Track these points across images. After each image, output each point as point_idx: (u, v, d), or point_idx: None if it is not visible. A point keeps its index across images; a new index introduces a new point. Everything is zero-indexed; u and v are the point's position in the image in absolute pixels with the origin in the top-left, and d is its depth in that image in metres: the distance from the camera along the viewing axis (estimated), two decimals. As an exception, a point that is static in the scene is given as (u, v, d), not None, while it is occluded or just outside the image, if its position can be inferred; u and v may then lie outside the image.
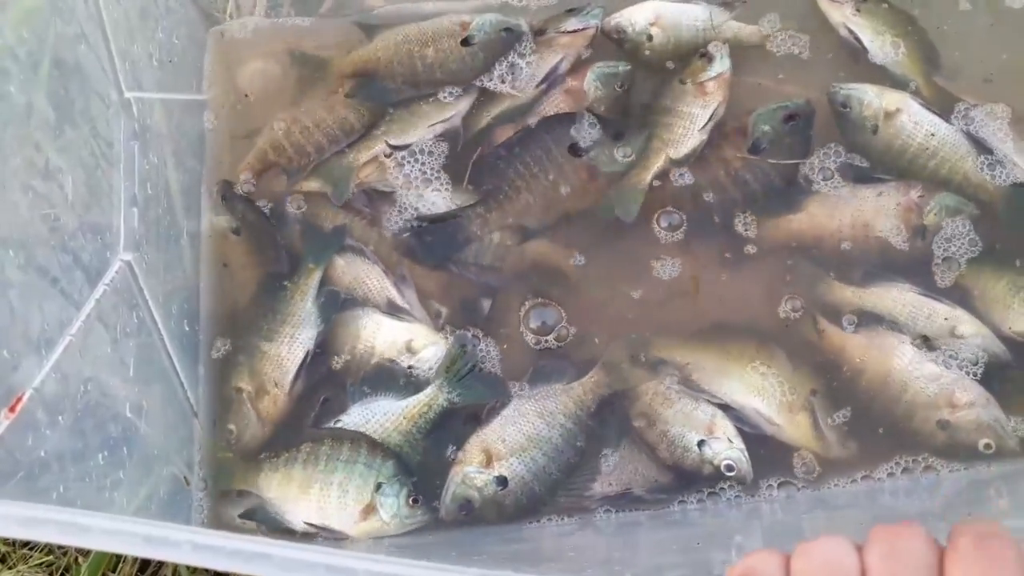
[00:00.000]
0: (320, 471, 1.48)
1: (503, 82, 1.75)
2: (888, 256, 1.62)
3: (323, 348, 1.62)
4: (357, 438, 1.51)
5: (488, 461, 1.49)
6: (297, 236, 1.71)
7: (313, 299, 1.62)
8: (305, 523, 1.48)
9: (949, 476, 1.51)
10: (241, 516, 1.50)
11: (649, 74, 1.78)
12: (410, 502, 1.47)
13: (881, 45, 1.76)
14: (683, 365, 1.58)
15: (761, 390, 1.54)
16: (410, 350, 1.59)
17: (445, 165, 1.71)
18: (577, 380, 1.57)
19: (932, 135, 1.66)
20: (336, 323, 1.63)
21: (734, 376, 1.56)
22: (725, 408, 1.54)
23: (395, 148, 1.71)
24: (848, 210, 1.64)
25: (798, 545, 0.67)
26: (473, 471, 1.49)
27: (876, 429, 1.55)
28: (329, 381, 1.61)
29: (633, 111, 1.75)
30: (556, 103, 1.75)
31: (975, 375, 1.53)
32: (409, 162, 1.71)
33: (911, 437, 1.53)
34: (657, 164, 1.67)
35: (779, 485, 1.51)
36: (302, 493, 1.48)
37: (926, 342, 1.54)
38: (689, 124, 1.68)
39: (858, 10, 1.77)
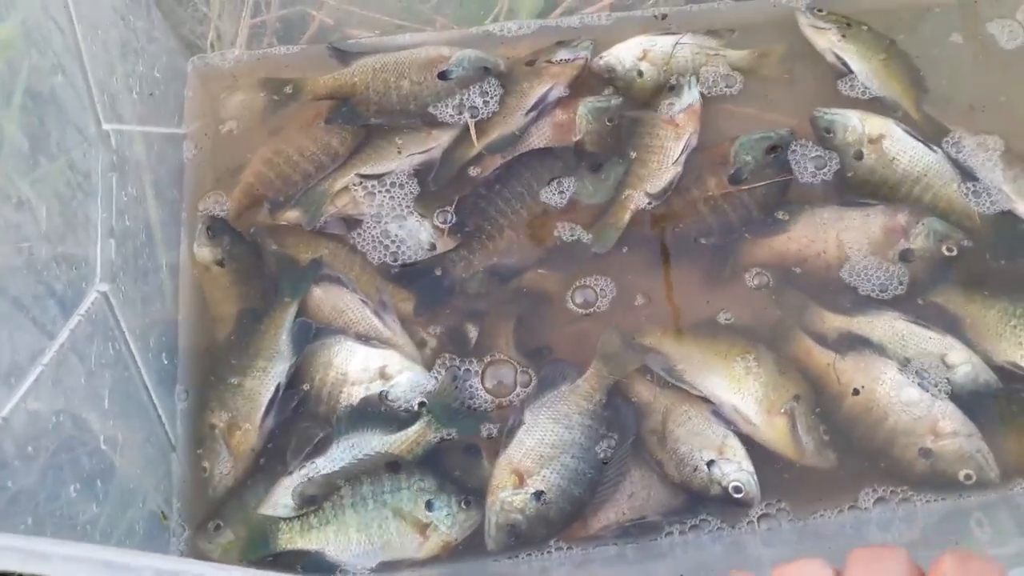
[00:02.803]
0: (372, 510, 1.47)
1: (459, 113, 1.75)
2: (872, 279, 1.60)
3: (295, 383, 1.60)
4: (390, 465, 1.51)
5: (520, 480, 1.46)
6: (274, 269, 1.69)
7: (288, 332, 1.60)
8: (380, 563, 1.48)
9: (928, 506, 1.49)
10: (303, 568, 1.48)
11: (644, 110, 1.78)
12: (463, 505, 1.48)
13: (868, 69, 1.77)
14: (669, 355, 1.57)
15: (742, 388, 1.53)
16: (383, 376, 1.57)
17: (418, 197, 1.70)
18: (580, 377, 1.55)
19: (915, 161, 1.66)
20: (308, 352, 1.61)
21: (718, 371, 1.55)
22: (704, 401, 1.54)
23: (365, 177, 1.71)
24: (833, 232, 1.64)
25: (774, 569, 0.66)
26: (508, 494, 1.46)
27: (857, 452, 1.53)
28: (304, 415, 1.59)
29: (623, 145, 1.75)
30: (544, 135, 1.75)
31: (960, 403, 1.52)
32: (380, 192, 1.70)
33: (892, 463, 1.52)
34: (634, 201, 1.67)
35: (759, 518, 1.49)
36: (364, 536, 1.47)
37: (907, 365, 1.52)
38: (663, 158, 1.68)
39: (843, 36, 1.78)
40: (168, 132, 1.80)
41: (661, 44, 1.80)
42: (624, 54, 1.79)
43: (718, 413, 1.52)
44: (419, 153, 1.72)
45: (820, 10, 1.82)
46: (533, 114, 1.75)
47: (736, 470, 1.47)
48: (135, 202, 1.60)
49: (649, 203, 1.66)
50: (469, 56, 1.78)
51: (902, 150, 1.67)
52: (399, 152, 1.72)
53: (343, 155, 1.74)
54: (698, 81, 1.76)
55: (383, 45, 1.87)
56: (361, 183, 1.70)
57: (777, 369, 1.54)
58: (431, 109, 1.75)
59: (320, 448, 1.54)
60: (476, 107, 1.75)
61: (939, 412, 1.50)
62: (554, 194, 1.67)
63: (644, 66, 1.77)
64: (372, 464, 1.52)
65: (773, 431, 1.51)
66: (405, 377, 1.57)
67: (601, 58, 1.80)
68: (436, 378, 1.57)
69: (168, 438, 1.59)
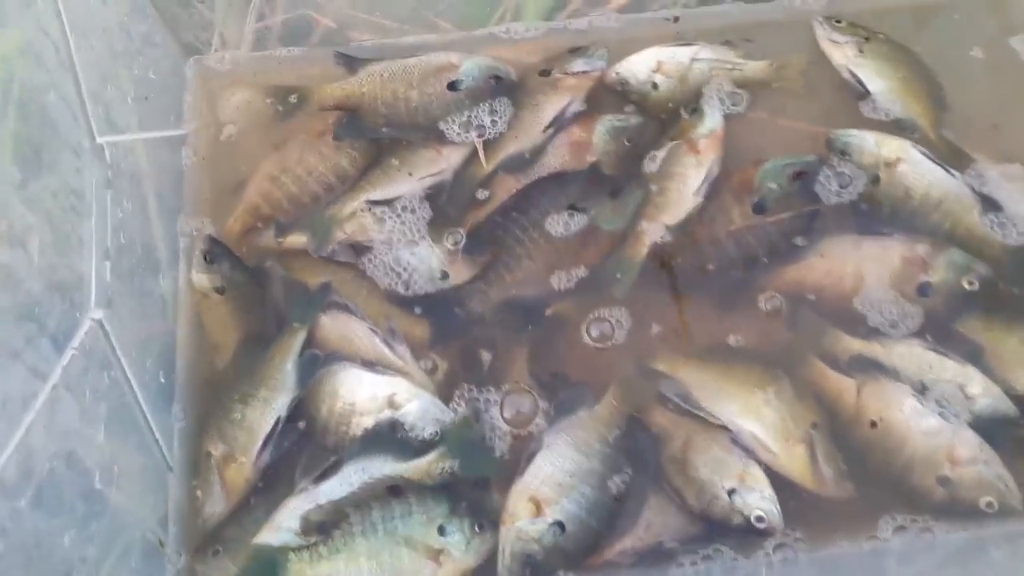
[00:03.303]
0: (382, 537, 1.42)
1: (466, 131, 1.69)
2: (885, 313, 1.55)
3: (296, 417, 1.54)
4: (398, 490, 1.46)
5: (538, 509, 1.42)
6: (281, 295, 1.64)
7: (294, 361, 1.55)
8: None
9: (949, 536, 1.45)
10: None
11: (660, 126, 1.71)
12: (476, 529, 1.44)
13: (885, 88, 1.70)
14: (685, 382, 1.52)
15: (761, 415, 1.48)
16: (392, 405, 1.52)
17: (430, 221, 1.64)
18: (598, 403, 1.50)
19: (933, 187, 1.60)
20: (312, 381, 1.56)
21: (735, 398, 1.50)
22: (722, 429, 1.49)
23: (375, 203, 1.64)
24: (850, 262, 1.58)
25: None
26: (526, 524, 1.41)
27: (873, 479, 1.49)
28: (302, 448, 1.53)
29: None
30: (560, 155, 1.68)
31: (980, 432, 1.47)
32: (391, 217, 1.64)
33: (909, 492, 1.47)
34: (650, 234, 1.60)
35: (775, 548, 1.44)
36: (375, 565, 1.42)
37: (925, 392, 1.48)
38: (682, 186, 1.61)
39: (861, 51, 1.71)
40: (165, 137, 1.75)
41: (677, 56, 1.72)
42: (638, 66, 1.72)
43: (737, 440, 1.47)
44: (430, 176, 1.66)
45: (838, 21, 1.75)
46: (551, 131, 1.68)
47: (759, 499, 1.42)
48: (131, 217, 1.55)
49: (666, 236, 1.59)
50: (479, 65, 1.71)
51: (920, 175, 1.60)
52: (410, 175, 1.65)
53: (353, 175, 1.67)
54: (711, 100, 1.69)
55: (388, 49, 1.81)
56: (370, 209, 1.64)
57: (795, 396, 1.50)
58: (440, 125, 1.69)
59: (330, 472, 1.48)
60: (483, 126, 1.68)
61: (957, 439, 1.46)
62: (570, 221, 1.61)
63: (659, 78, 1.71)
64: (381, 489, 1.47)
65: (792, 460, 1.46)
66: (415, 405, 1.51)
67: (614, 71, 1.73)
68: (455, 410, 1.52)
69: (165, 461, 1.55)
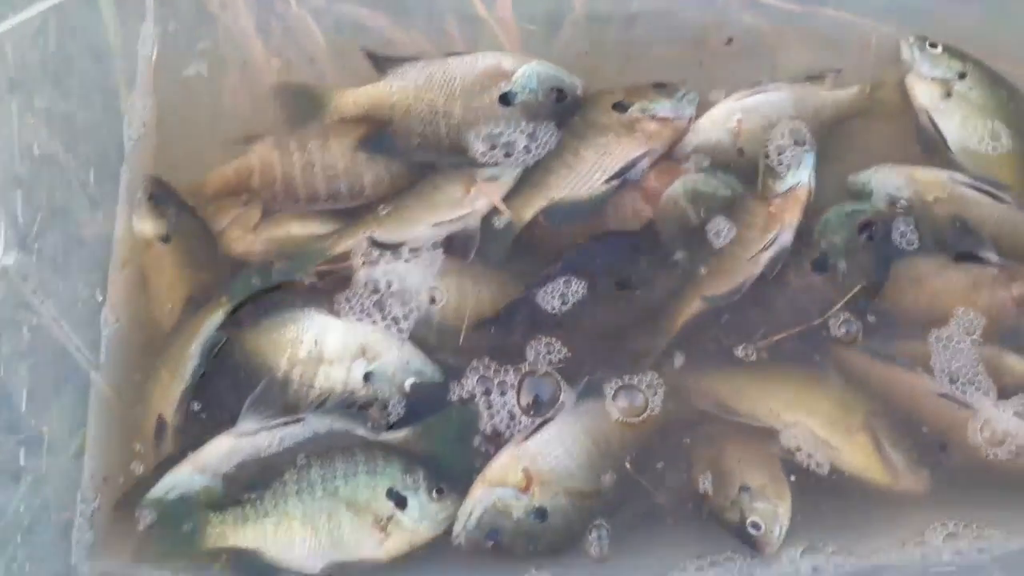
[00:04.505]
0: (320, 499, 1.25)
1: (490, 148, 1.40)
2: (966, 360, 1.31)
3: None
4: (347, 446, 1.28)
5: (527, 485, 1.26)
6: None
7: (201, 344, 1.33)
8: (330, 564, 1.27)
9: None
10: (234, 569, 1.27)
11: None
12: (434, 495, 1.27)
13: (969, 137, 1.43)
14: (720, 392, 1.34)
15: (812, 410, 1.31)
16: (366, 354, 1.32)
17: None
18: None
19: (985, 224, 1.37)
20: (268, 328, 1.35)
21: (779, 395, 1.33)
22: (772, 433, 1.31)
23: (379, 245, 1.37)
24: (926, 290, 1.36)
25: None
26: (510, 495, 1.26)
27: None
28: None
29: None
30: (628, 205, 1.41)
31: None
32: (388, 261, 1.37)
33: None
34: (690, 307, 1.35)
35: (803, 552, 1.27)
36: (309, 532, 1.25)
37: None
38: (739, 250, 1.35)
39: (949, 93, 1.43)
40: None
41: (757, 107, 1.44)
42: (712, 131, 1.44)
43: (783, 443, 1.30)
44: (447, 222, 1.38)
45: (934, 45, 1.46)
46: (615, 183, 1.40)
47: (767, 509, 1.25)
48: (48, 120, 1.32)
49: (703, 306, 1.34)
50: (538, 73, 1.44)
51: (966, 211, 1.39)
52: (433, 226, 1.38)
53: (367, 198, 1.42)
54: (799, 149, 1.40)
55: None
56: (369, 247, 1.38)
57: (843, 387, 1.34)
58: (470, 136, 1.41)
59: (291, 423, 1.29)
60: (512, 146, 1.40)
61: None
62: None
63: (742, 142, 1.42)
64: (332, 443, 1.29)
65: (858, 451, 1.30)
66: (392, 357, 1.32)
67: (687, 146, 1.43)
68: (463, 386, 1.32)
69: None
